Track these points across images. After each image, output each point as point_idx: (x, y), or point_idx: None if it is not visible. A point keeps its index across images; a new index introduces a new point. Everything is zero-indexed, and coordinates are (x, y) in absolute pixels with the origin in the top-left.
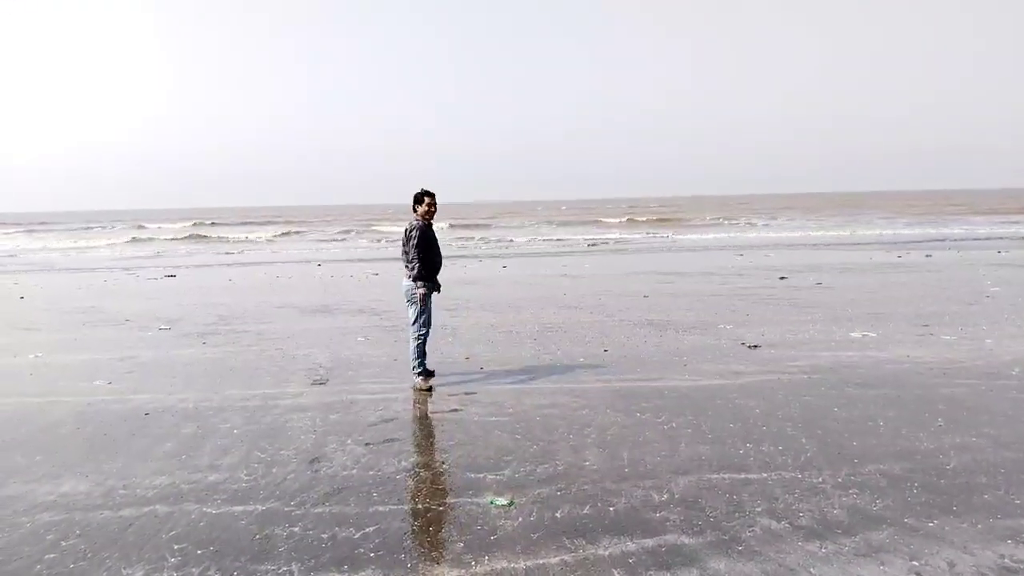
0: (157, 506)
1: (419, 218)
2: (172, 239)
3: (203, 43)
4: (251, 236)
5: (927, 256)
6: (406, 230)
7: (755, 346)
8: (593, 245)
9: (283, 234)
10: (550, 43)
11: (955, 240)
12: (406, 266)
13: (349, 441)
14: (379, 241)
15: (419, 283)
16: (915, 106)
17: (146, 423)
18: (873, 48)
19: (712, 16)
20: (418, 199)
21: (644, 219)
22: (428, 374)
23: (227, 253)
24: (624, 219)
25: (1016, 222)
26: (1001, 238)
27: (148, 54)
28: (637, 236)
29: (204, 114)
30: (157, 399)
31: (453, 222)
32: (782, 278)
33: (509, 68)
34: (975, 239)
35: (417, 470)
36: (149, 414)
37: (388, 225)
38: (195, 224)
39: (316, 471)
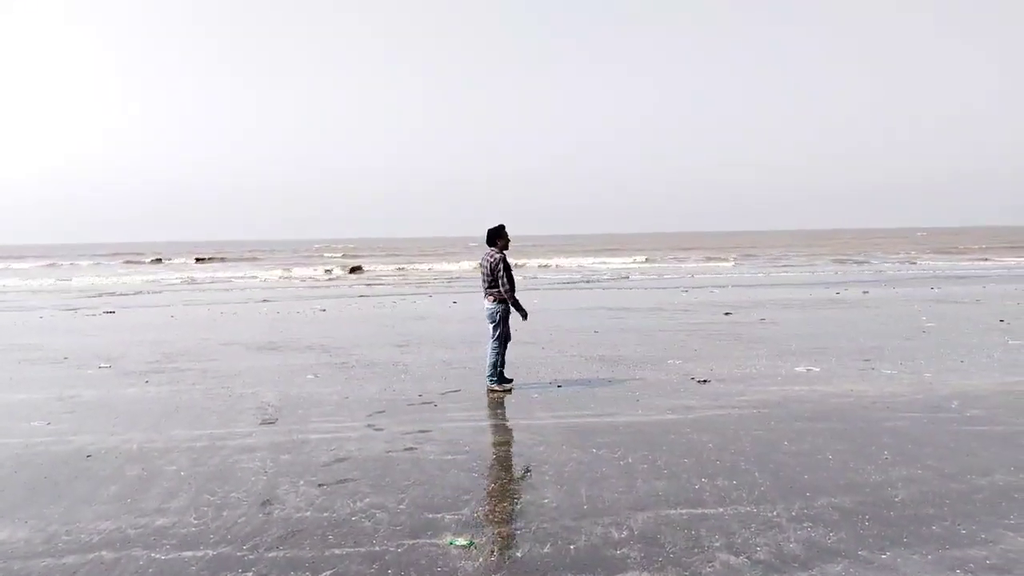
0: (103, 552)
1: (499, 250)
2: (115, 275)
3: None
4: (189, 270)
5: (864, 293)
6: (490, 261)
7: (705, 381)
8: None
9: (199, 260)
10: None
11: (887, 278)
12: (487, 290)
13: (302, 482)
14: (327, 273)
15: (499, 303)
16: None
17: (88, 465)
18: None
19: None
20: (498, 233)
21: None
22: (505, 380)
23: (168, 287)
24: (566, 256)
25: (953, 257)
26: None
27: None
28: (573, 271)
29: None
30: (99, 440)
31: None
32: (727, 314)
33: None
34: (910, 276)
35: (373, 511)
36: (91, 456)
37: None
38: (126, 262)
39: (268, 514)
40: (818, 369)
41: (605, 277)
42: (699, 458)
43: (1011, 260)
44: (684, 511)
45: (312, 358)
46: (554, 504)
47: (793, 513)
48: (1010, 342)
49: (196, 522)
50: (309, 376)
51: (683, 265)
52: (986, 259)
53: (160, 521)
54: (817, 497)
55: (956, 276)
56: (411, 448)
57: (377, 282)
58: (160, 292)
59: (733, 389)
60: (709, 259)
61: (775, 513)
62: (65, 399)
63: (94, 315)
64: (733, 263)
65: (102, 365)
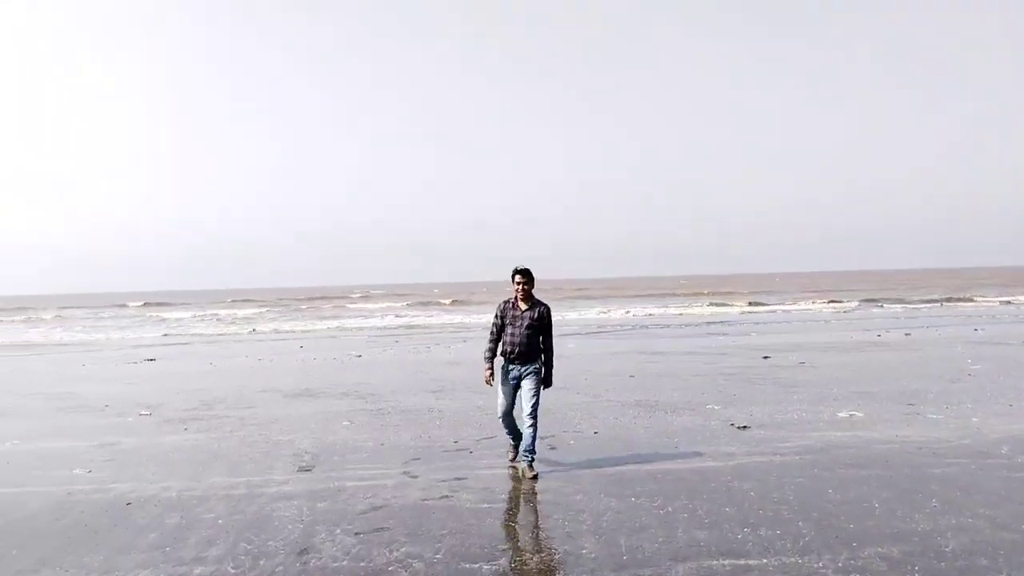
0: None
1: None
2: (160, 320)
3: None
4: (231, 316)
5: (906, 335)
6: (541, 310)
7: (744, 427)
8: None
9: (258, 313)
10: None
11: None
12: (517, 348)
13: (338, 531)
14: (362, 321)
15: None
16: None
17: (128, 513)
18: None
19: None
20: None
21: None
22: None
23: (200, 335)
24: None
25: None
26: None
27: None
28: (618, 314)
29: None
30: (139, 488)
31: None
32: (765, 357)
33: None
34: (954, 316)
35: (410, 561)
36: (131, 504)
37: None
38: (144, 304)
39: (305, 563)
40: (861, 414)
41: (622, 325)
42: (741, 507)
43: None
44: (727, 562)
45: (347, 404)
46: (593, 555)
47: (839, 564)
48: None
49: (234, 571)
50: (345, 423)
51: (715, 309)
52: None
53: (198, 570)
54: (864, 547)
55: (990, 316)
56: (447, 496)
57: (413, 331)
58: (215, 341)
59: (774, 435)
60: (720, 304)
61: (820, 564)
62: (105, 446)
63: (135, 363)
64: (743, 307)
65: (142, 412)
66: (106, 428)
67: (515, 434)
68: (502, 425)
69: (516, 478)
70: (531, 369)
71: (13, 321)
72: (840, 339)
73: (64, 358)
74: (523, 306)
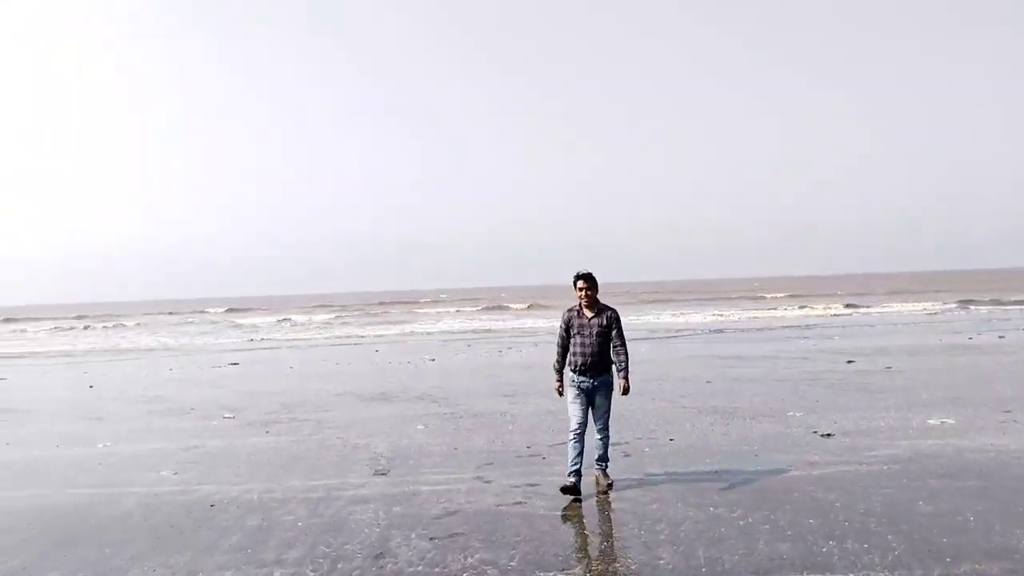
0: None
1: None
2: (241, 325)
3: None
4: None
5: (1000, 337)
6: (609, 315)
7: (828, 434)
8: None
9: (335, 318)
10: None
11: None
12: (588, 358)
13: (413, 535)
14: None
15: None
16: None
17: (212, 515)
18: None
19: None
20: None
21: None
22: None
23: (280, 340)
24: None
25: None
26: None
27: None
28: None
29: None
30: (222, 490)
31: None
32: (849, 361)
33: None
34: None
35: (484, 567)
36: (215, 505)
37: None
38: (228, 311)
39: (381, 567)
40: (953, 421)
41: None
42: (825, 518)
43: None
44: None
45: (422, 408)
46: (670, 566)
47: None
48: None
49: (312, 574)
50: (419, 426)
51: (787, 312)
52: None
53: (278, 573)
54: (959, 563)
55: None
56: (520, 502)
57: (486, 336)
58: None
59: (860, 443)
60: (803, 306)
61: None
62: (191, 448)
63: (219, 367)
64: (833, 309)
65: (226, 416)
66: (192, 431)
67: (580, 459)
68: (570, 447)
69: (588, 485)
70: (603, 381)
71: (105, 327)
72: (929, 342)
73: (152, 363)
74: (589, 313)
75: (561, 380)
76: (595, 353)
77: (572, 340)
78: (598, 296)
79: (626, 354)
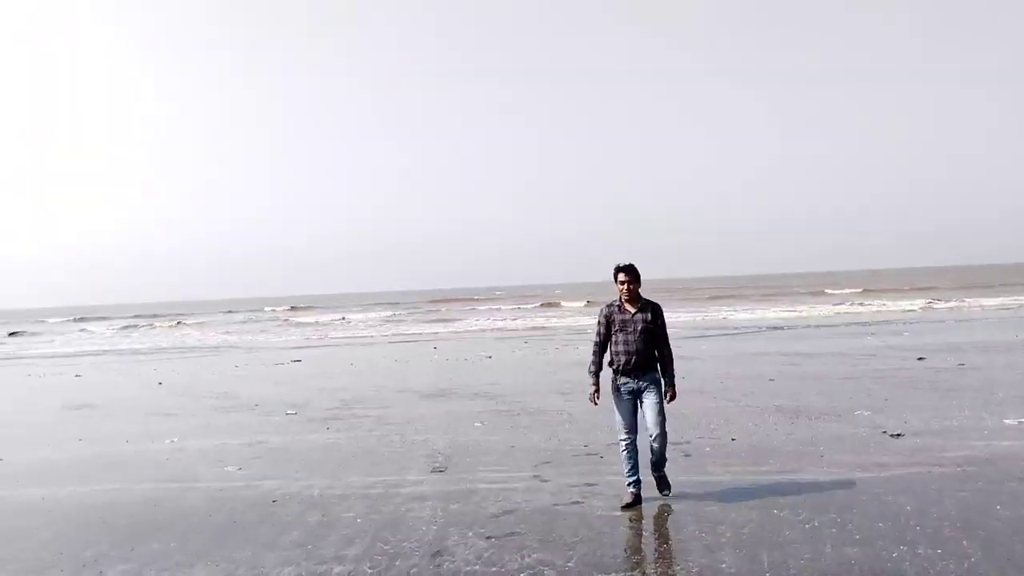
0: None
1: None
2: (304, 323)
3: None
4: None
5: None
6: (654, 309)
7: (898, 434)
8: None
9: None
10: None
11: None
12: (634, 356)
13: (470, 533)
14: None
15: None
16: None
17: (273, 510)
18: None
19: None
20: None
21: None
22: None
23: (340, 337)
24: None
25: None
26: None
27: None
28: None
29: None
30: (283, 486)
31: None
32: (920, 359)
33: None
34: None
35: (541, 568)
36: (276, 501)
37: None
38: (291, 308)
39: (439, 565)
40: None
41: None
42: (896, 522)
43: None
44: None
45: (479, 405)
46: (732, 569)
47: None
48: None
49: (370, 571)
50: (476, 424)
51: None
52: None
53: (337, 569)
54: None
55: None
56: (578, 502)
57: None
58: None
59: (932, 444)
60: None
61: None
62: (255, 444)
63: (283, 364)
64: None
65: (288, 412)
66: (256, 427)
67: (636, 469)
68: (624, 457)
69: (647, 485)
70: (650, 379)
71: (169, 326)
72: (1003, 339)
73: (218, 360)
74: (631, 308)
75: (597, 384)
76: (641, 351)
77: (613, 338)
78: (640, 290)
79: (671, 359)
